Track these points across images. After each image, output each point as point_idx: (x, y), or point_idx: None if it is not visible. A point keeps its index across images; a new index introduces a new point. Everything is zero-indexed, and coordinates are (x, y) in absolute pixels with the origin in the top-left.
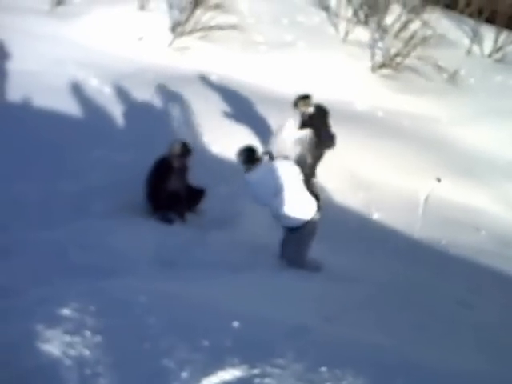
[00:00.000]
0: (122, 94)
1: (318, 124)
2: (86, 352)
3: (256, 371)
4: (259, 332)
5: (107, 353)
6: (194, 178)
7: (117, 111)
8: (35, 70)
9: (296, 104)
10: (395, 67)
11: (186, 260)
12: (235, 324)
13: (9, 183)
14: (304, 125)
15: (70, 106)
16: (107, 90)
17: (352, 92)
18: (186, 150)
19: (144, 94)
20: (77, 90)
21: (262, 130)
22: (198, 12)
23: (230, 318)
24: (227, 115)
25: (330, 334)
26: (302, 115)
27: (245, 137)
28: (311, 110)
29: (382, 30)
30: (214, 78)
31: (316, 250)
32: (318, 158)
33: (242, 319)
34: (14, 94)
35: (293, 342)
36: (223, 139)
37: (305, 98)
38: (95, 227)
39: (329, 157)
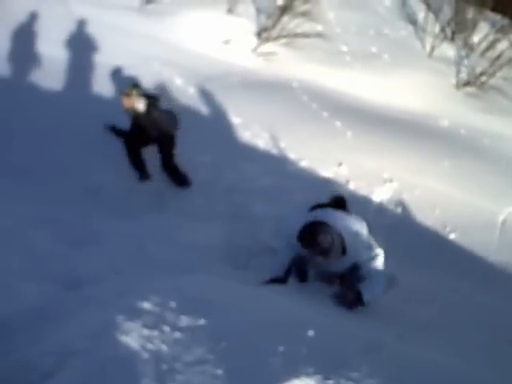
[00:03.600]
0: (204, 95)
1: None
2: (164, 347)
3: (330, 383)
4: (334, 343)
5: (185, 350)
6: (271, 182)
7: (199, 112)
8: (123, 65)
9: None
10: (480, 86)
11: (259, 264)
12: (310, 333)
13: (89, 174)
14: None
15: None
16: (191, 91)
17: (435, 107)
18: None
19: (226, 97)
20: (161, 88)
21: (339, 139)
22: (285, 18)
23: (305, 326)
24: (305, 123)
25: (402, 352)
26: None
27: (320, 145)
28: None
29: (469, 47)
30: (295, 84)
31: (390, 266)
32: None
33: (317, 329)
34: (102, 88)
35: (367, 356)
36: (300, 146)
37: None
38: (171, 223)
39: (408, 172)
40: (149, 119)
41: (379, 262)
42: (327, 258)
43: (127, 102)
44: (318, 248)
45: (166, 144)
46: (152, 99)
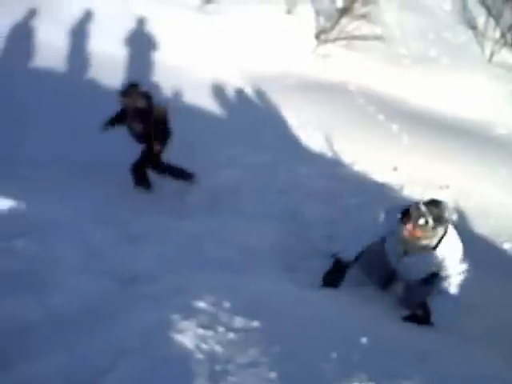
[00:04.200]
0: (262, 96)
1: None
2: (219, 348)
3: None
4: (387, 351)
5: (238, 351)
6: (325, 185)
7: (256, 112)
8: (182, 64)
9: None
10: None
11: (310, 266)
12: (363, 340)
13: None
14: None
15: (211, 103)
16: (248, 91)
17: (492, 114)
18: None
19: (283, 98)
20: (219, 87)
21: (395, 143)
22: (344, 20)
23: (359, 333)
24: (361, 125)
25: (456, 363)
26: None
27: (374, 149)
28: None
29: None
30: (352, 87)
31: None
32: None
33: (371, 336)
34: (164, 85)
35: (420, 366)
36: (355, 149)
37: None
38: (225, 223)
39: (464, 179)
40: (152, 114)
41: (460, 281)
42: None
43: (129, 102)
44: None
45: (160, 142)
46: (149, 96)
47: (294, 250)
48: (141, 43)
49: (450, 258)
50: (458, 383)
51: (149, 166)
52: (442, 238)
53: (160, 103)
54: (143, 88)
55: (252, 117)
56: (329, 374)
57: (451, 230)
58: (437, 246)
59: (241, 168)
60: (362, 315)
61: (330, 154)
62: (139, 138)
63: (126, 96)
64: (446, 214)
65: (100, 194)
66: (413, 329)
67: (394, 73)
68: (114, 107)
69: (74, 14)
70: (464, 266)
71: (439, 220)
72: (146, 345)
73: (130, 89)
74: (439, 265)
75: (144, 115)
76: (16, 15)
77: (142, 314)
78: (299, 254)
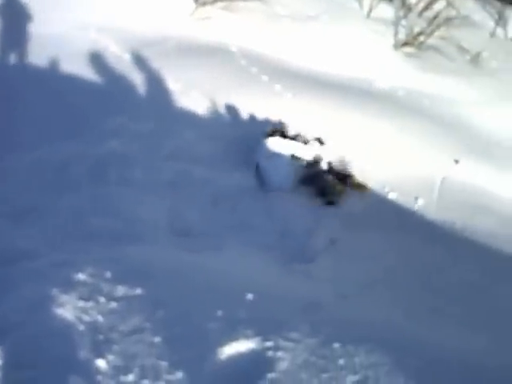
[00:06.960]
0: (141, 62)
1: None
2: (100, 318)
3: (269, 344)
4: (273, 306)
5: (121, 320)
6: (212, 148)
7: (136, 80)
8: (58, 33)
9: None
10: (418, 46)
11: (201, 229)
12: (249, 296)
13: (32, 145)
14: None
15: (90, 72)
16: (127, 57)
17: (373, 69)
18: None
19: (164, 63)
20: (97, 56)
21: (277, 101)
22: None
23: (244, 290)
24: (245, 87)
25: (344, 311)
26: None
27: (257, 108)
28: None
29: (407, 8)
30: (234, 49)
31: (328, 225)
32: None
33: (256, 292)
34: (37, 57)
35: (307, 317)
36: (240, 110)
37: None
38: (112, 194)
39: (340, 133)
40: None
41: None
42: None
43: None
44: None
45: None
46: None
47: (186, 215)
48: (10, 12)
49: None
50: (346, 331)
51: None
52: None
53: None
54: None
55: (132, 84)
56: (214, 333)
57: None
58: None
59: (125, 137)
60: (248, 270)
61: (215, 117)
62: None
63: None
64: None
65: None
66: (300, 278)
67: (275, 33)
68: None
69: None
70: None
71: None
72: (26, 320)
73: None
74: None
75: None
76: None
77: (19, 291)
78: (191, 219)
